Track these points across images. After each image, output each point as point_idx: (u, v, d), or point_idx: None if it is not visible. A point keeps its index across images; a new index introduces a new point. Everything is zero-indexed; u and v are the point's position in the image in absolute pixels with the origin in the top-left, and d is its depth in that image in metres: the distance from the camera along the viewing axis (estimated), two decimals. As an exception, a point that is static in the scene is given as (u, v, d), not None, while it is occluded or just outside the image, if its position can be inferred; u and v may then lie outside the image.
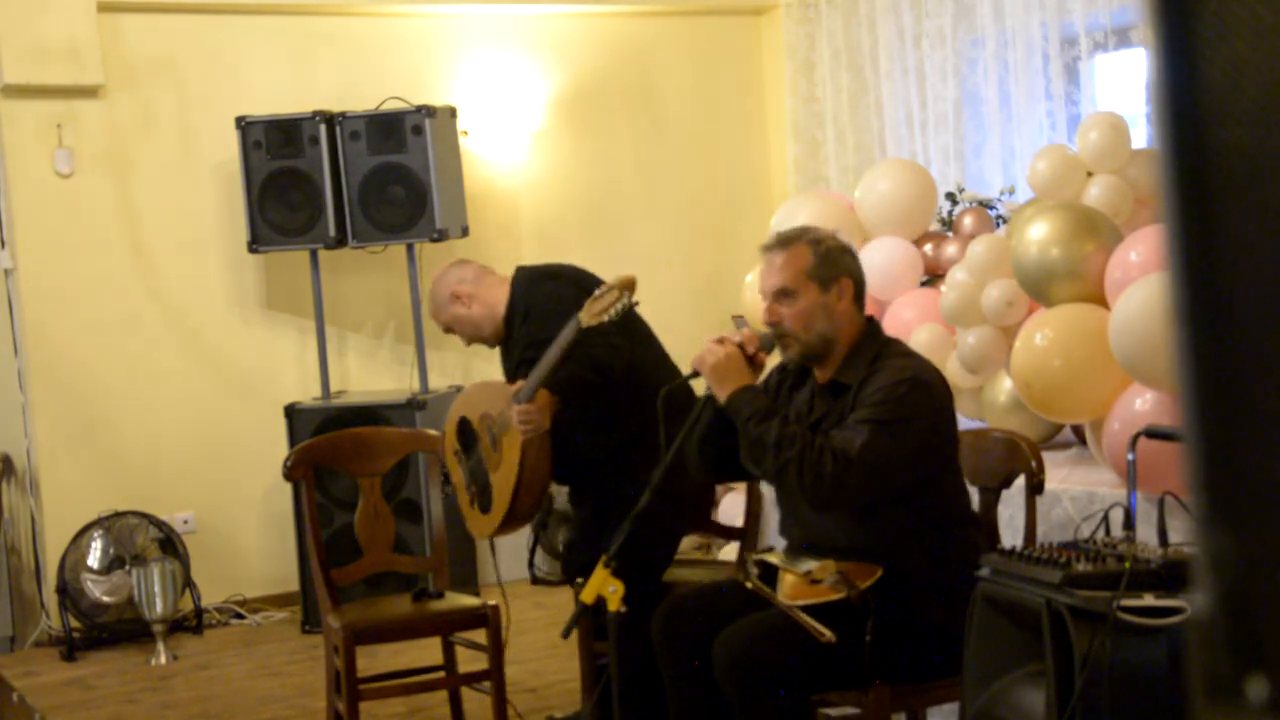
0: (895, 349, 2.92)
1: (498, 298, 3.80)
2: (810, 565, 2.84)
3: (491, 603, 3.70)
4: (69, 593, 5.31)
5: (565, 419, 3.54)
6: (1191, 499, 0.68)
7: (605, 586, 2.78)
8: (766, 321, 2.93)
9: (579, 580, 2.96)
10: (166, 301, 5.69)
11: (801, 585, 2.82)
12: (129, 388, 5.61)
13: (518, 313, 3.75)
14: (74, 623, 5.30)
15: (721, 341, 2.88)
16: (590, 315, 3.28)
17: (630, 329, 3.59)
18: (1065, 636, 2.30)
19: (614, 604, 2.78)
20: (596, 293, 3.31)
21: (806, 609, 2.76)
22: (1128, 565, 2.31)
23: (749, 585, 2.94)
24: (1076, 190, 4.23)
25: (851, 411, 2.80)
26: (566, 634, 3.05)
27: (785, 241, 2.92)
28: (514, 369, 3.74)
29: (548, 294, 3.70)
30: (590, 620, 3.49)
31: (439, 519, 3.93)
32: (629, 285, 3.24)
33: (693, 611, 3.02)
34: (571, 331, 3.34)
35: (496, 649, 3.63)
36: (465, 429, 3.81)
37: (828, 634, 2.70)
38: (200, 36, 5.72)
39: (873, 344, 2.90)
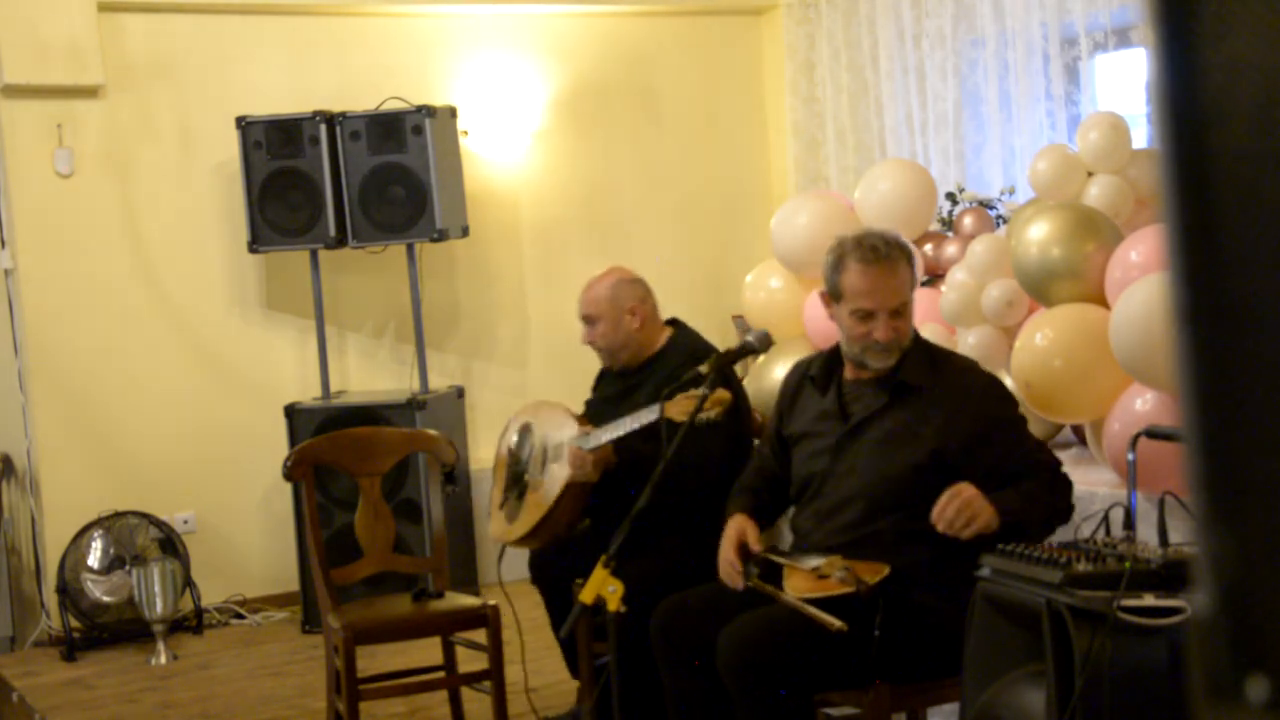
0: (941, 349, 3.10)
1: (656, 335, 3.80)
2: (816, 562, 2.84)
3: (491, 603, 3.70)
4: (69, 593, 5.31)
5: (627, 472, 3.53)
6: (1192, 499, 0.68)
7: (605, 586, 2.78)
8: (882, 336, 2.93)
9: (579, 581, 2.96)
10: (167, 301, 5.69)
11: (809, 580, 2.82)
12: (129, 387, 5.61)
13: (670, 363, 3.66)
14: (74, 623, 5.30)
15: (953, 501, 2.77)
16: (675, 408, 3.18)
17: (735, 446, 3.49)
18: (1065, 636, 2.30)
19: (614, 604, 2.78)
20: (692, 391, 3.19)
21: (814, 601, 2.77)
22: (1128, 565, 2.31)
23: (750, 583, 2.94)
24: (1077, 190, 4.23)
25: (937, 410, 2.87)
26: (565, 634, 3.06)
27: (890, 258, 2.94)
28: (601, 403, 3.76)
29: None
30: (590, 620, 3.49)
31: (439, 519, 3.93)
32: (721, 402, 3.08)
33: (693, 610, 3.02)
34: (651, 414, 3.33)
35: (496, 649, 3.63)
36: (526, 434, 3.84)
37: (838, 623, 2.69)
38: (201, 36, 5.72)
39: (922, 343, 3.04)
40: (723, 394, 3.10)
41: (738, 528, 3.03)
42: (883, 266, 2.93)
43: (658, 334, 3.83)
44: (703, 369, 3.17)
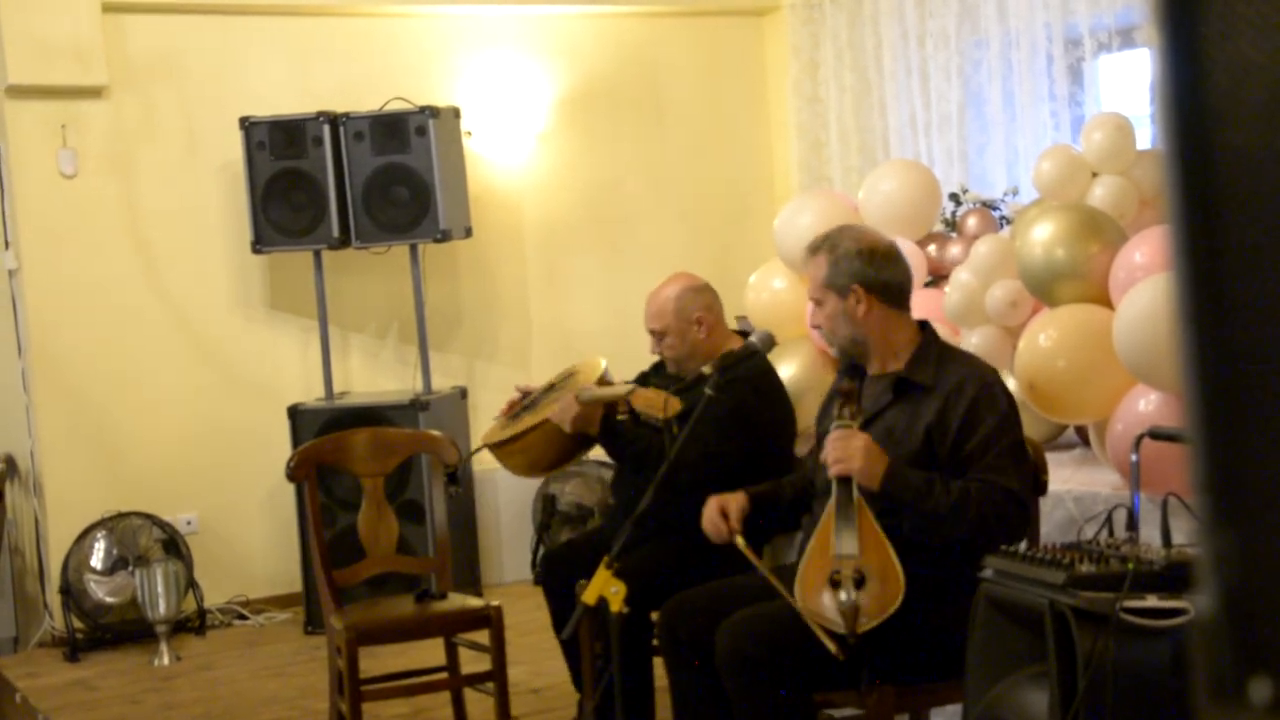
0: (952, 348, 3.08)
1: (723, 343, 3.64)
2: (850, 548, 2.73)
3: (494, 603, 3.70)
4: (72, 593, 5.32)
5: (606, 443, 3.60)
6: (1195, 500, 0.68)
7: (607, 588, 2.78)
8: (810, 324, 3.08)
9: (582, 582, 2.96)
10: (170, 302, 5.69)
11: (817, 577, 2.77)
12: (132, 388, 5.61)
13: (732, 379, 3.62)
14: (77, 623, 5.31)
15: (846, 440, 2.80)
16: (640, 399, 3.38)
17: (739, 444, 3.48)
18: (1068, 637, 2.30)
19: (616, 605, 2.78)
20: (658, 390, 3.39)
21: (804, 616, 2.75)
22: (1131, 566, 2.31)
23: (736, 541, 2.95)
24: (1081, 191, 4.22)
25: (934, 406, 2.86)
26: (568, 635, 3.05)
27: (813, 249, 3.05)
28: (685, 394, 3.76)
29: (748, 399, 3.51)
30: (591, 621, 3.49)
31: (442, 520, 3.93)
32: (654, 406, 3.30)
33: (698, 608, 3.02)
34: (622, 390, 3.48)
35: (499, 650, 3.63)
36: (568, 377, 3.85)
37: (834, 649, 2.68)
38: (204, 37, 5.72)
39: (932, 341, 3.00)
40: (676, 403, 3.23)
41: (730, 495, 3.05)
42: (806, 257, 3.07)
43: (725, 342, 3.64)
44: (706, 369, 3.17)
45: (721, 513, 3.02)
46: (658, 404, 3.28)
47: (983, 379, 2.89)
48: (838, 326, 2.97)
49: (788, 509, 3.18)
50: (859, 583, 2.69)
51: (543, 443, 3.66)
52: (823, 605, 2.72)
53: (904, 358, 2.97)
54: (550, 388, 3.86)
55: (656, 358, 3.84)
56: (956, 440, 2.82)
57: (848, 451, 2.76)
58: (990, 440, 2.80)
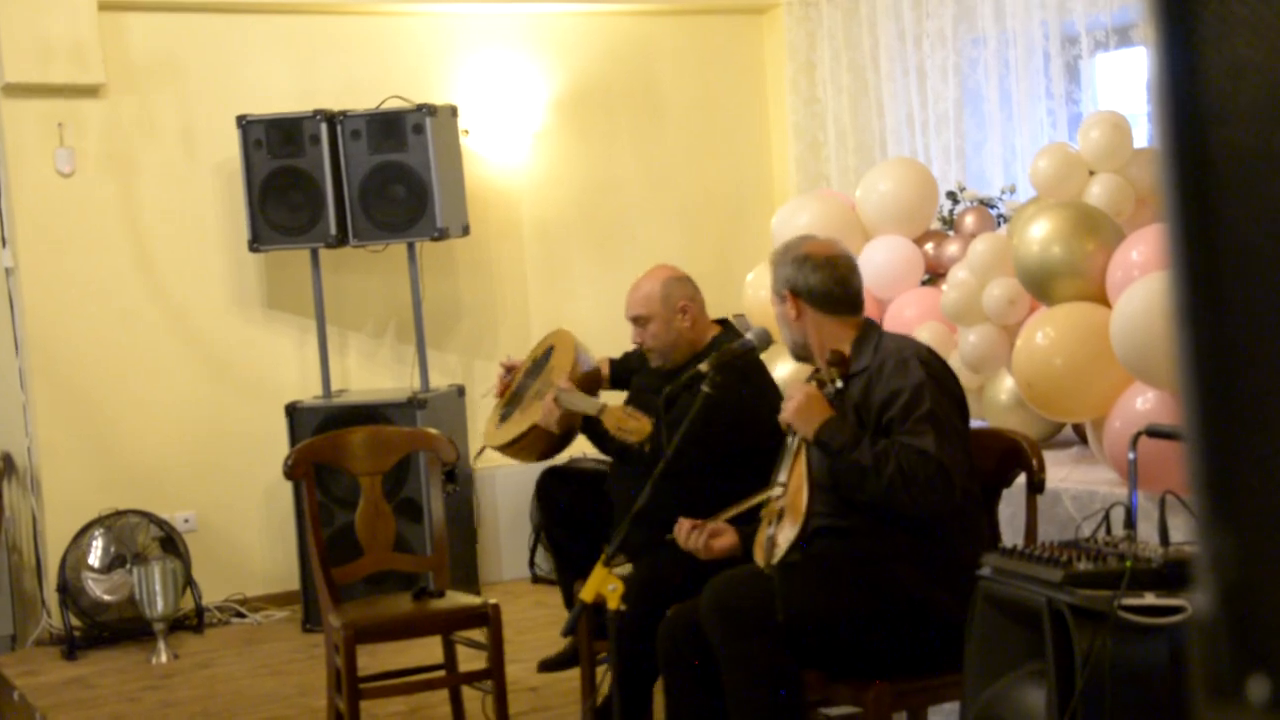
0: (887, 333, 3.13)
1: (705, 334, 3.76)
2: (780, 482, 2.95)
3: (492, 601, 3.70)
4: (70, 591, 5.31)
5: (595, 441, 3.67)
6: (1193, 498, 0.68)
7: (605, 585, 2.78)
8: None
9: (579, 581, 2.97)
10: (167, 300, 5.69)
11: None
12: (130, 386, 5.61)
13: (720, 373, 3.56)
14: (75, 621, 5.31)
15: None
16: (610, 418, 3.43)
17: (734, 444, 3.50)
18: (1066, 635, 2.30)
19: (614, 602, 2.78)
20: (631, 410, 3.46)
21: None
22: (1129, 564, 2.31)
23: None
24: (1078, 189, 4.23)
25: (864, 388, 2.93)
26: (567, 633, 3.05)
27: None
28: (641, 392, 3.79)
29: (746, 399, 3.51)
30: (591, 619, 3.49)
31: (440, 518, 3.93)
32: (638, 433, 3.37)
33: (695, 622, 3.00)
34: (595, 407, 3.54)
35: (497, 648, 3.63)
36: (547, 357, 3.98)
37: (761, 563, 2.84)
38: (201, 36, 5.72)
39: (870, 330, 3.08)
40: (645, 426, 3.32)
41: (726, 538, 3.09)
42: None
43: (707, 332, 3.77)
44: (702, 368, 3.18)
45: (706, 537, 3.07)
46: (629, 427, 3.37)
47: (901, 353, 2.94)
48: (781, 329, 3.13)
49: None
50: (779, 518, 2.89)
51: (539, 440, 3.82)
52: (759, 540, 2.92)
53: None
54: (534, 365, 4.02)
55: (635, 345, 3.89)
56: (880, 410, 2.90)
57: (792, 396, 2.95)
58: (908, 408, 2.85)
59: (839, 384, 2.94)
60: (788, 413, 2.94)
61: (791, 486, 2.93)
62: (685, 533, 3.08)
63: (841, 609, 2.82)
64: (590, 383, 3.92)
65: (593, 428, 3.61)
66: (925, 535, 2.85)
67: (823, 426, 2.88)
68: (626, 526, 2.88)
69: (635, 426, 3.35)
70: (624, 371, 4.06)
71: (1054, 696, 2.32)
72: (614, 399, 3.71)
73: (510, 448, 3.89)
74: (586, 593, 2.82)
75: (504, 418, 4.00)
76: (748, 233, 6.39)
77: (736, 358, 3.24)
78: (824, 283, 3.05)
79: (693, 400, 3.09)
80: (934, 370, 2.93)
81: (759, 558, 2.89)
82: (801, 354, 3.12)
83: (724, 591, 2.85)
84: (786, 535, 2.86)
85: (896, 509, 2.82)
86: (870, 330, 3.07)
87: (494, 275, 6.19)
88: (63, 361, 5.53)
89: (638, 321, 3.77)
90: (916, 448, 2.79)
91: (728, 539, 3.06)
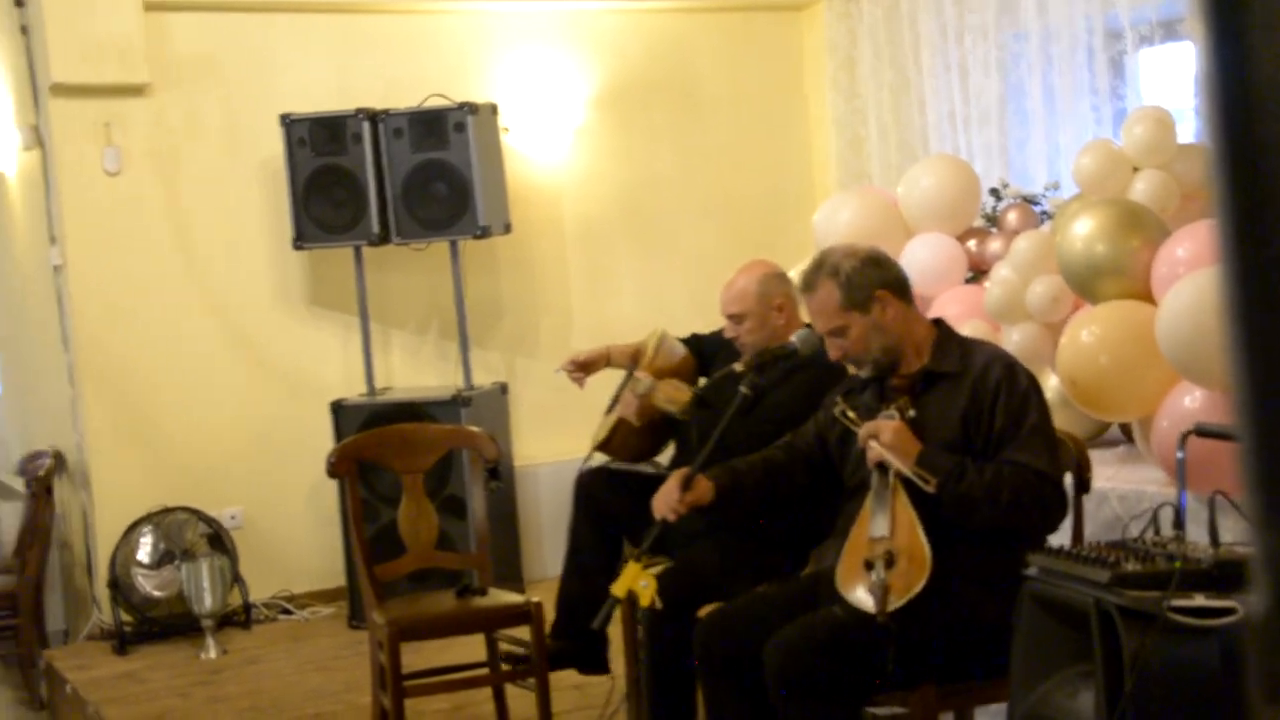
0: (970, 339, 3.09)
1: (795, 331, 3.68)
2: (881, 530, 2.77)
3: (535, 599, 3.70)
4: (120, 587, 5.38)
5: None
6: (1246, 498, 0.67)
7: (637, 581, 2.77)
8: (832, 358, 3.05)
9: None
10: (213, 298, 5.74)
11: (854, 563, 2.77)
12: (176, 384, 5.67)
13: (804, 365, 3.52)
14: (125, 616, 5.37)
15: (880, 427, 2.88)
16: (661, 393, 3.57)
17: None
18: (1114, 636, 2.28)
19: (645, 599, 2.76)
20: (676, 382, 3.60)
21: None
22: (1178, 565, 2.29)
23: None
24: (1122, 185, 4.18)
25: (965, 394, 2.87)
26: (599, 626, 3.04)
27: (809, 285, 3.02)
28: (724, 379, 3.71)
29: (804, 383, 3.49)
30: (634, 615, 3.48)
31: (483, 515, 3.95)
32: (675, 401, 3.47)
33: (734, 625, 2.99)
34: (645, 386, 3.69)
35: (540, 646, 3.64)
36: (638, 359, 4.02)
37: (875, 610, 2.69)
38: (245, 35, 5.77)
39: (950, 333, 3.04)
40: (686, 395, 3.39)
41: (701, 485, 3.04)
42: (806, 295, 3.04)
43: (796, 330, 3.65)
44: (737, 367, 3.17)
45: (679, 489, 3.01)
46: (675, 399, 3.45)
47: (1004, 360, 2.93)
48: (870, 342, 2.97)
49: (750, 499, 3.18)
50: (889, 563, 2.72)
51: (630, 435, 3.89)
52: (857, 589, 2.74)
53: (926, 352, 2.99)
54: (635, 359, 4.07)
55: (704, 330, 3.94)
56: (990, 422, 2.84)
57: (878, 432, 2.83)
58: (1020, 419, 2.81)
59: (912, 413, 2.87)
60: (878, 450, 2.83)
61: (901, 527, 2.76)
62: (670, 502, 3.01)
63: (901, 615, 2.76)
64: (681, 373, 3.94)
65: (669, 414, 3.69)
66: (980, 540, 2.82)
67: (920, 460, 2.80)
68: (659, 526, 2.88)
69: (678, 397, 3.36)
70: (701, 358, 4.07)
71: (1102, 698, 2.30)
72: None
73: (607, 447, 3.94)
74: (619, 588, 2.81)
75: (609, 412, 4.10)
76: (789, 229, 6.37)
77: (778, 360, 3.23)
78: (901, 272, 3.05)
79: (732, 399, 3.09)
80: (1032, 378, 2.92)
81: (858, 599, 2.72)
82: (886, 362, 2.98)
83: (791, 656, 2.73)
84: (907, 583, 2.69)
85: (1008, 529, 2.77)
86: (948, 330, 3.04)
87: (536, 273, 6.21)
88: (111, 358, 5.59)
89: (733, 319, 3.72)
90: (1032, 469, 2.76)
91: (702, 489, 3.03)
